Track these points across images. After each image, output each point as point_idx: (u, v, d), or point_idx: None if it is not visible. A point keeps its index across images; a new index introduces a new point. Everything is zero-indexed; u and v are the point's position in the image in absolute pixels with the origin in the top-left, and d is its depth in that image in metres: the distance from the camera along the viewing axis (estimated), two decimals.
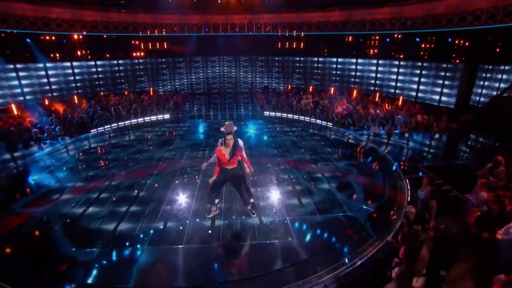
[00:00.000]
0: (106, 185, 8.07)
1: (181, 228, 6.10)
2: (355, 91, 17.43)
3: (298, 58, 20.97)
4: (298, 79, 21.23)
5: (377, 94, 16.26)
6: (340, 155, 10.21)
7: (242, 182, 6.08)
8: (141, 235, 5.89)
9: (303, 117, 15.40)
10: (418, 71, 14.59)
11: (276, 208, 6.83)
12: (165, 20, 19.50)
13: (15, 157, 10.16)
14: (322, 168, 9.02)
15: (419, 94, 14.67)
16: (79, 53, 17.63)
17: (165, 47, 20.96)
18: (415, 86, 14.81)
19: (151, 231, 6.01)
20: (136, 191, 7.68)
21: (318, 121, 14.65)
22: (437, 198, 6.06)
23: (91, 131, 13.15)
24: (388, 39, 16.13)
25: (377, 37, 16.89)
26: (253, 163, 8.17)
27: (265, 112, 16.69)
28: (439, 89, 13.69)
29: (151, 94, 19.27)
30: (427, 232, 5.44)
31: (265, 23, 19.91)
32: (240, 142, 6.24)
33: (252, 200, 6.62)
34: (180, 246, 5.58)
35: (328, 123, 14.16)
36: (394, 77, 15.83)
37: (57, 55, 16.80)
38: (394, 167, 8.90)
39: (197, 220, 6.38)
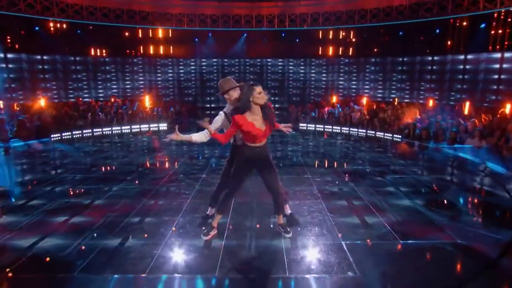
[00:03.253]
0: (45, 190, 6.78)
1: (150, 247, 4.38)
2: (431, 101, 15.75)
3: (347, 60, 19.76)
4: (347, 88, 19.82)
5: (467, 103, 14.35)
6: (424, 169, 9.03)
7: (273, 167, 4.52)
8: (75, 255, 4.22)
9: (355, 130, 14.03)
10: None
11: (322, 226, 5.04)
12: (171, 8, 19.07)
13: None
14: (394, 181, 7.44)
15: None
16: (54, 45, 17.19)
17: (171, 49, 20.43)
18: None
19: (95, 250, 4.32)
20: (91, 199, 6.22)
21: (379, 134, 13.46)
22: None
23: (52, 136, 12.39)
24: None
25: (463, 23, 15.38)
26: (283, 173, 7.00)
27: (300, 125, 15.47)
28: None
29: (145, 103, 18.32)
30: None
31: (301, 14, 19.12)
32: None
33: (289, 211, 5.12)
34: (142, 276, 3.80)
35: (394, 136, 12.68)
36: (495, 76, 14.01)
37: (26, 46, 16.45)
38: None
39: (180, 238, 4.67)
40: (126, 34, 19.38)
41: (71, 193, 6.65)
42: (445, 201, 6.44)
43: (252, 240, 4.62)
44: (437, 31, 16.41)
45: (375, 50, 18.92)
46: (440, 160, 10.13)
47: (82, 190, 6.77)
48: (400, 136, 12.70)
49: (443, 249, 4.49)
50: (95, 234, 4.80)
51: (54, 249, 4.41)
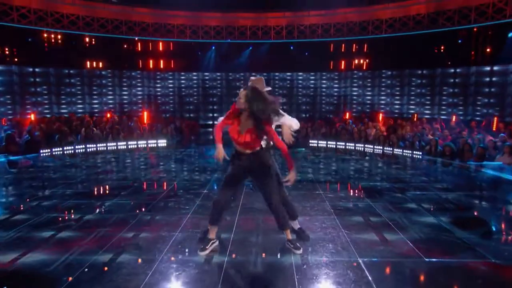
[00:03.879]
0: (31, 205, 6.76)
1: (144, 262, 4.27)
2: (454, 116, 15.73)
3: (361, 73, 19.84)
4: (361, 104, 19.84)
5: (495, 118, 14.28)
6: (448, 186, 8.91)
7: (270, 177, 4.44)
8: (61, 271, 4.12)
9: (371, 146, 14.14)
10: None
11: (336, 243, 4.91)
12: (173, 19, 19.27)
13: None
14: (416, 198, 7.40)
15: None
16: (47, 57, 17.44)
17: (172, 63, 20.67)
18: None
19: (84, 266, 4.22)
20: (80, 214, 6.17)
21: (397, 151, 13.56)
22: None
23: (42, 151, 12.65)
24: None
25: (488, 32, 15.43)
26: (291, 188, 7.00)
27: (310, 141, 15.54)
28: None
29: (144, 119, 18.43)
30: None
31: (311, 25, 19.26)
32: (290, 121, 4.69)
33: (298, 226, 5.04)
34: None
35: (415, 153, 12.68)
36: None
37: (17, 57, 16.74)
38: None
39: (178, 253, 4.56)
40: (125, 46, 19.64)
41: (59, 208, 6.56)
42: (475, 219, 6.33)
43: (258, 256, 4.50)
44: (460, 41, 16.44)
45: (391, 62, 18.93)
46: (466, 177, 10.09)
47: (71, 205, 6.70)
48: (420, 153, 12.68)
49: (475, 268, 4.32)
50: (83, 249, 4.70)
51: (38, 265, 4.30)
